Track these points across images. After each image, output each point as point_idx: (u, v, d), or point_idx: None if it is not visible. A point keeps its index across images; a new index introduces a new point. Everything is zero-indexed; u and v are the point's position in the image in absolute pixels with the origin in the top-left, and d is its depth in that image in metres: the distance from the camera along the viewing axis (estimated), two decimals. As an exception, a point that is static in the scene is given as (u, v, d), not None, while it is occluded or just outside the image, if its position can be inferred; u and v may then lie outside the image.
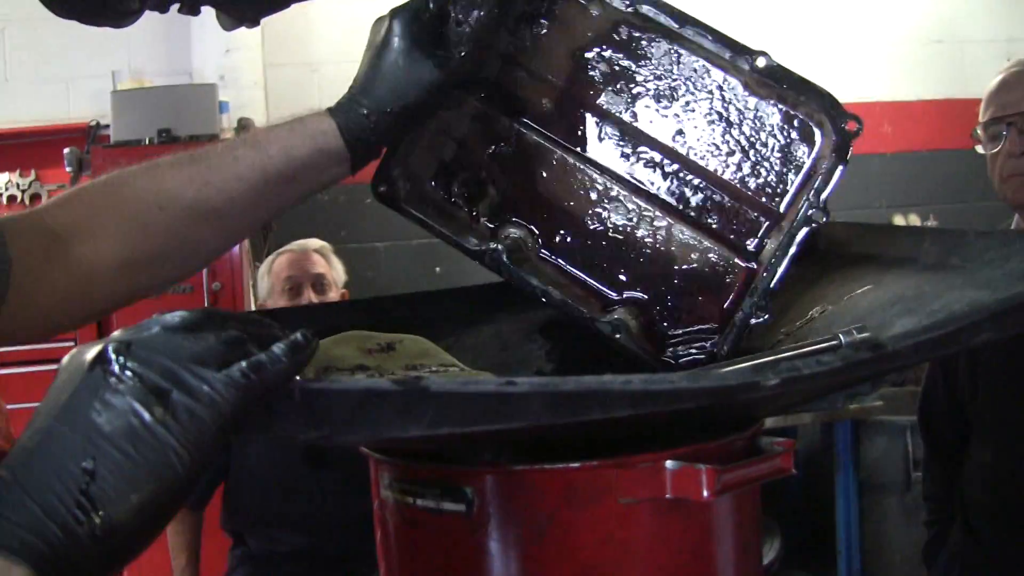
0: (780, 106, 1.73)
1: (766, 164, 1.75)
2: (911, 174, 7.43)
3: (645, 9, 1.72)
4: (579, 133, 1.78)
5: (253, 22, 3.11)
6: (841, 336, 1.48)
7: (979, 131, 2.91)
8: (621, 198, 1.77)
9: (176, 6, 2.83)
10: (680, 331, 1.77)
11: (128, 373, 0.98)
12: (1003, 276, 1.58)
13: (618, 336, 1.71)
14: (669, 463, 1.34)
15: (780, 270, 1.70)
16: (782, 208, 1.74)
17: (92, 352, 1.00)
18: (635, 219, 1.77)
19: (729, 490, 1.36)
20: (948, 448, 3.10)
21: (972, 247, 1.72)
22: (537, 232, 1.78)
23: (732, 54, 1.71)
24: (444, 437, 1.16)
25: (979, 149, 2.90)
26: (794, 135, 1.73)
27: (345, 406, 1.09)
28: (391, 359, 1.54)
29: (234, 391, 1.00)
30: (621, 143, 1.77)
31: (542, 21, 1.76)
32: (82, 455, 0.94)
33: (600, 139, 1.77)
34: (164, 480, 0.96)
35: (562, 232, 1.78)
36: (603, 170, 1.77)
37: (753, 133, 1.74)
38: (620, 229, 1.78)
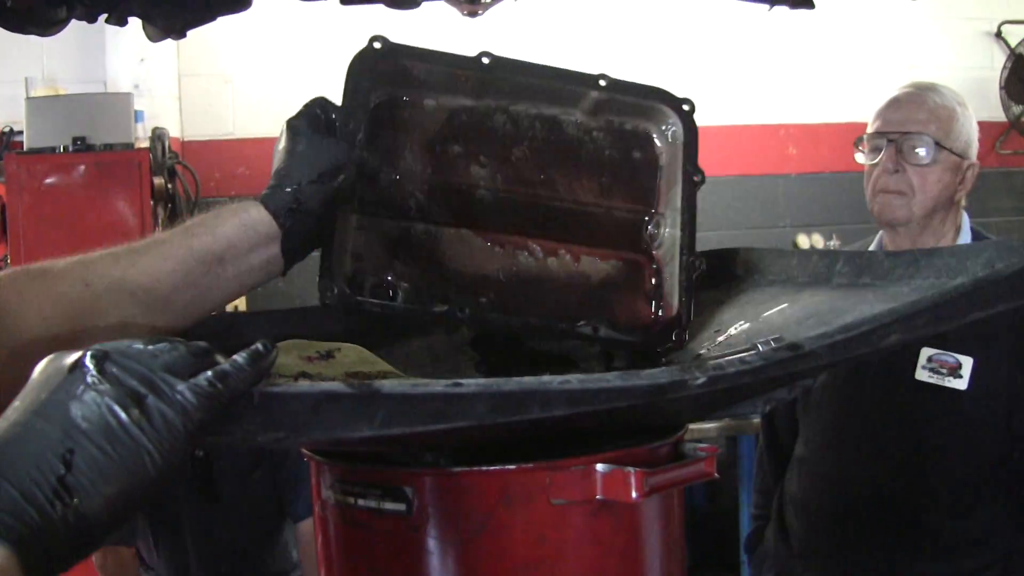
0: (622, 122, 1.98)
1: (624, 173, 1.98)
2: (815, 194, 7.59)
3: (489, 80, 1.91)
4: (457, 209, 1.92)
5: (179, 34, 3.15)
6: (759, 346, 1.57)
7: (862, 142, 3.02)
8: (523, 248, 1.93)
9: (103, 16, 2.86)
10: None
11: (107, 376, 1.04)
12: (910, 291, 1.69)
13: (600, 333, 1.87)
14: (600, 466, 1.41)
15: (692, 220, 1.96)
16: (654, 206, 1.98)
17: (72, 357, 1.06)
18: (541, 260, 1.93)
19: (656, 492, 1.43)
20: (781, 443, 3.26)
21: (881, 267, 1.82)
22: (457, 303, 1.87)
23: (577, 83, 1.94)
24: (394, 437, 1.21)
25: (859, 158, 3.02)
26: (634, 149, 1.99)
27: (302, 409, 1.14)
28: (331, 367, 1.59)
29: (202, 398, 1.07)
30: (496, 203, 1.93)
31: (390, 129, 1.89)
32: (60, 447, 1.00)
33: (478, 206, 1.92)
34: (136, 477, 1.03)
35: (485, 298, 1.89)
36: (492, 229, 1.92)
37: (600, 155, 1.97)
38: (530, 273, 1.92)
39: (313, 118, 1.78)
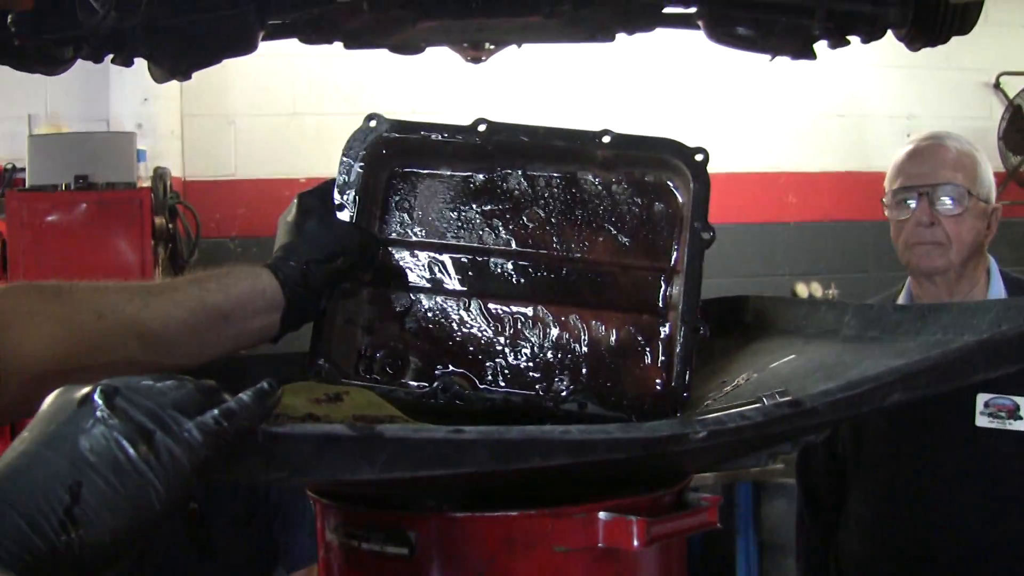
0: (631, 177, 1.93)
1: (642, 230, 1.93)
2: (814, 243, 7.60)
3: (490, 148, 1.92)
4: (473, 276, 1.94)
5: (185, 76, 3.17)
6: (764, 399, 1.57)
7: (888, 198, 3.02)
8: (530, 314, 1.92)
9: (109, 56, 2.88)
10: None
11: (117, 411, 1.05)
12: (916, 346, 1.69)
13: (588, 408, 1.81)
14: (602, 514, 1.41)
15: (697, 284, 1.85)
16: (672, 261, 1.90)
17: (82, 391, 1.07)
18: (550, 326, 1.91)
19: (658, 541, 1.43)
20: (825, 504, 3.22)
21: (889, 320, 1.83)
22: (470, 373, 1.89)
23: (580, 142, 1.91)
24: (394, 481, 1.21)
25: (888, 214, 3.02)
26: (653, 196, 1.93)
27: (305, 449, 1.14)
28: (339, 409, 1.59)
29: (209, 436, 1.08)
30: (511, 269, 1.93)
31: (405, 203, 1.95)
32: (68, 479, 1.01)
33: (492, 273, 1.93)
34: (141, 512, 1.03)
35: (491, 364, 1.89)
36: (504, 298, 1.92)
37: (617, 210, 1.93)
38: (541, 342, 1.90)
39: (324, 197, 1.87)
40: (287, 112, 6.66)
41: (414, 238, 1.94)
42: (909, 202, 2.94)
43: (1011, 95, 7.80)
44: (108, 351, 1.55)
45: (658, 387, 1.86)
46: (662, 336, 1.88)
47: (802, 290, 7.40)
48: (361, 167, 1.88)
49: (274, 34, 3.10)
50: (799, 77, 7.24)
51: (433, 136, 1.91)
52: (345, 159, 1.88)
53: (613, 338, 1.89)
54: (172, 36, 2.87)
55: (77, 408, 1.06)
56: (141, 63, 2.98)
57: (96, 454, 1.02)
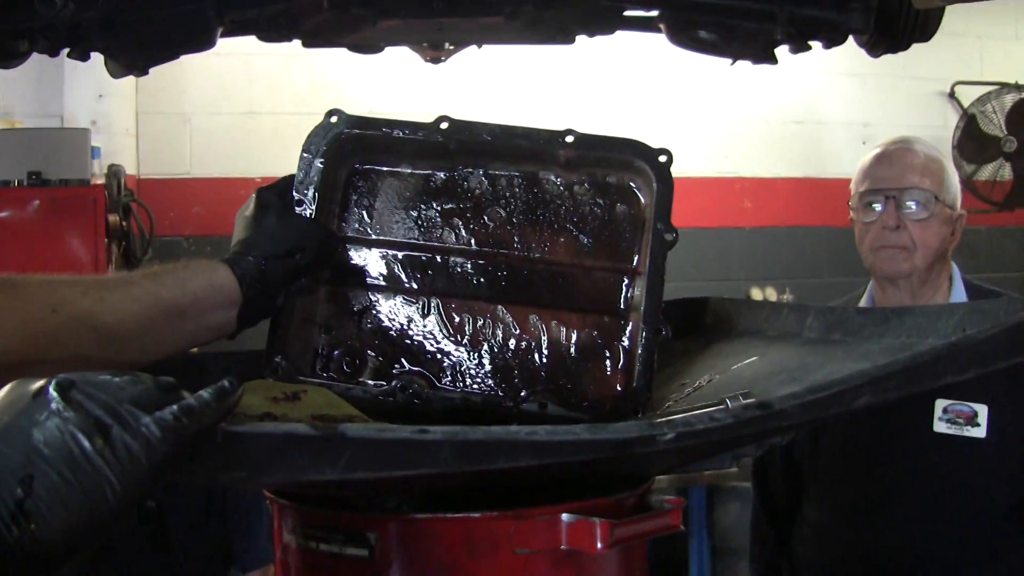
0: (593, 178, 1.92)
1: (604, 232, 1.92)
2: (769, 248, 7.63)
3: (452, 146, 1.90)
4: (432, 275, 1.92)
5: (142, 71, 3.13)
6: (728, 400, 1.56)
7: (853, 202, 3.02)
8: (490, 315, 1.90)
9: (66, 50, 2.84)
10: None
11: (72, 404, 1.02)
12: (880, 349, 1.68)
13: (549, 409, 1.80)
14: (565, 516, 1.40)
15: (659, 285, 1.85)
16: (634, 263, 1.90)
17: (37, 384, 1.05)
18: (511, 327, 1.89)
19: (621, 543, 1.41)
20: (781, 507, 3.22)
21: (851, 323, 1.82)
22: (428, 372, 1.87)
23: (543, 142, 1.90)
24: (356, 481, 1.19)
25: (854, 216, 3.01)
26: (615, 198, 1.92)
27: (265, 449, 1.12)
28: (296, 408, 1.57)
29: (167, 432, 1.05)
30: (471, 269, 1.91)
31: (360, 199, 1.92)
32: (20, 471, 0.98)
33: (452, 273, 1.91)
34: (95, 507, 1.01)
35: (450, 364, 1.88)
36: (464, 297, 1.91)
37: (579, 211, 1.92)
38: (501, 342, 1.89)
39: (283, 193, 1.84)
40: (243, 111, 6.61)
41: (373, 236, 1.92)
42: (875, 205, 2.94)
43: (965, 104, 7.86)
44: (61, 346, 1.51)
45: (619, 388, 1.85)
46: (623, 338, 1.88)
47: (757, 294, 7.42)
48: (321, 163, 1.85)
49: (233, 31, 3.06)
50: (757, 83, 7.26)
51: (395, 133, 1.89)
52: (305, 155, 1.85)
53: (574, 339, 1.88)
54: (129, 30, 2.83)
55: (31, 400, 1.03)
56: (97, 59, 2.95)
57: (50, 447, 1.00)
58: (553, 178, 1.93)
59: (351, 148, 1.89)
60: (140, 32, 2.88)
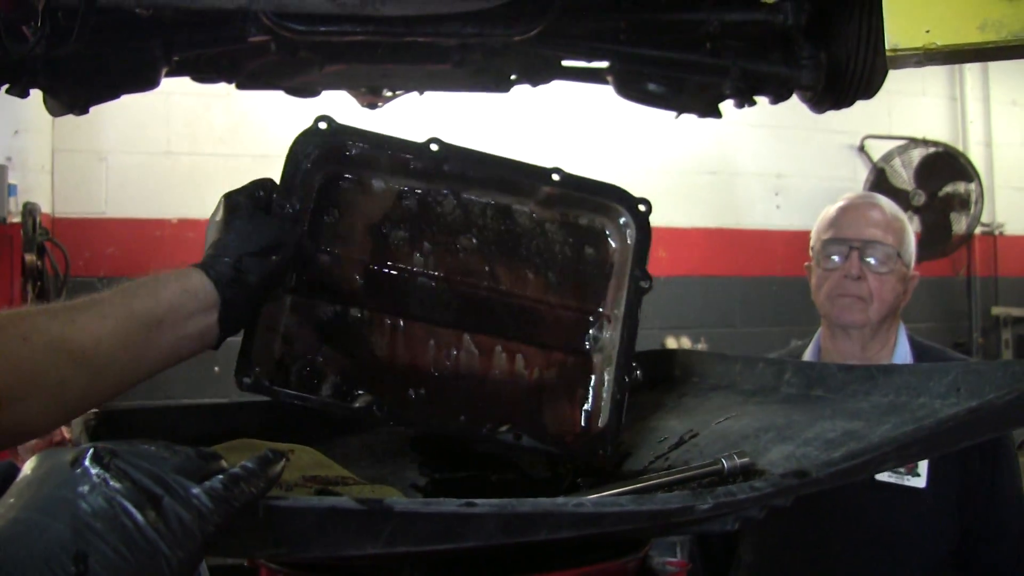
0: (566, 218, 1.93)
1: (571, 271, 1.92)
2: (684, 298, 7.69)
3: (440, 168, 1.86)
4: (395, 297, 1.86)
5: (83, 110, 3.04)
6: (723, 460, 1.54)
7: (816, 248, 3.07)
8: (455, 341, 1.86)
9: (4, 87, 2.75)
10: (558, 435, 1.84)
11: (116, 474, 0.97)
12: (870, 408, 1.67)
13: (522, 440, 1.77)
14: (578, 581, 1.36)
15: (633, 330, 1.86)
16: (601, 307, 1.91)
17: (73, 453, 0.98)
18: (474, 355, 1.86)
19: (637, 609, 1.39)
20: (716, 551, 3.23)
21: (834, 380, 1.82)
22: (385, 396, 1.79)
23: (529, 176, 1.89)
24: (394, 555, 1.14)
25: (818, 262, 3.06)
26: (586, 245, 1.93)
27: (306, 523, 1.07)
28: (287, 470, 1.51)
29: (219, 503, 1.01)
30: (435, 294, 1.87)
31: (332, 210, 1.86)
32: (72, 547, 0.92)
33: (416, 296, 1.87)
34: None
35: (411, 388, 1.83)
36: (429, 321, 1.86)
37: (548, 248, 1.92)
38: (465, 369, 1.85)
39: (252, 195, 1.74)
40: (160, 151, 6.49)
41: (343, 249, 1.86)
42: (835, 256, 3.00)
43: (875, 158, 8.03)
44: (41, 375, 1.41)
45: (582, 426, 1.84)
46: (588, 378, 1.87)
47: (672, 343, 7.47)
48: (307, 168, 1.79)
49: (175, 71, 3.00)
50: (671, 133, 7.35)
51: (381, 149, 1.84)
52: (291, 158, 1.79)
53: (536, 374, 1.87)
54: (73, 68, 2.76)
55: (70, 470, 0.97)
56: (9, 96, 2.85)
57: (101, 520, 0.94)
58: (527, 211, 1.92)
59: (334, 157, 1.84)
60: (85, 70, 2.80)
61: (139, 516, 0.96)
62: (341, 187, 1.86)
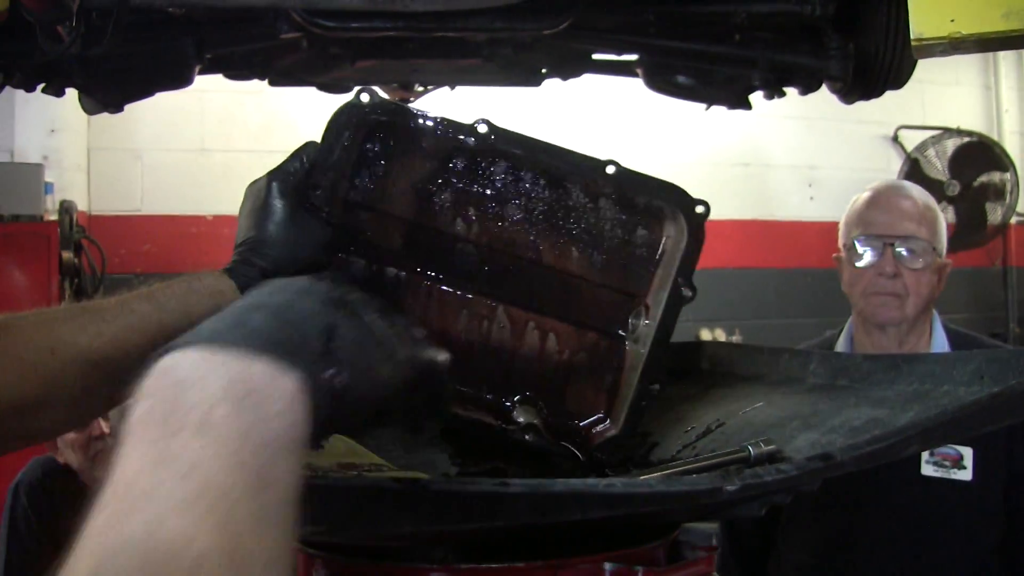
0: (622, 203, 1.83)
1: (621, 252, 1.83)
2: (717, 290, 7.68)
3: (488, 136, 1.76)
4: (434, 261, 1.81)
5: (117, 108, 3.09)
6: (750, 448, 1.56)
7: (847, 244, 3.00)
8: (488, 312, 1.83)
9: (41, 86, 2.80)
10: (576, 423, 1.84)
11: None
12: (895, 396, 1.68)
13: (528, 437, 1.77)
14: (607, 565, 1.39)
15: (667, 337, 1.80)
16: (644, 293, 1.84)
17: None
18: (506, 328, 1.83)
19: (661, 592, 1.41)
20: (750, 549, 3.21)
21: (858, 369, 1.82)
22: None
23: (581, 167, 1.78)
24: (432, 533, 1.17)
25: (851, 260, 2.98)
26: (640, 226, 1.83)
27: (347, 502, 1.10)
28: (320, 457, 1.54)
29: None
30: (476, 261, 1.82)
31: (380, 162, 1.79)
32: (322, 319, 1.03)
33: (456, 261, 1.82)
34: (379, 375, 1.07)
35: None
36: (465, 289, 1.82)
37: (599, 230, 1.83)
38: (495, 341, 1.82)
39: (287, 179, 1.68)
40: (194, 148, 6.56)
41: (380, 206, 1.79)
42: (869, 251, 2.94)
43: (908, 148, 8.01)
44: (66, 387, 1.43)
45: (601, 413, 1.83)
46: (617, 363, 1.85)
47: (707, 335, 7.47)
48: (346, 143, 1.72)
49: (208, 68, 3.04)
50: (703, 126, 7.34)
51: (427, 126, 1.76)
52: (328, 133, 1.72)
53: (567, 353, 1.84)
54: (107, 67, 2.80)
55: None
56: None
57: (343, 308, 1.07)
58: (592, 185, 1.83)
59: (377, 131, 1.77)
60: (117, 69, 2.84)
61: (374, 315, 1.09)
62: (385, 148, 1.80)
